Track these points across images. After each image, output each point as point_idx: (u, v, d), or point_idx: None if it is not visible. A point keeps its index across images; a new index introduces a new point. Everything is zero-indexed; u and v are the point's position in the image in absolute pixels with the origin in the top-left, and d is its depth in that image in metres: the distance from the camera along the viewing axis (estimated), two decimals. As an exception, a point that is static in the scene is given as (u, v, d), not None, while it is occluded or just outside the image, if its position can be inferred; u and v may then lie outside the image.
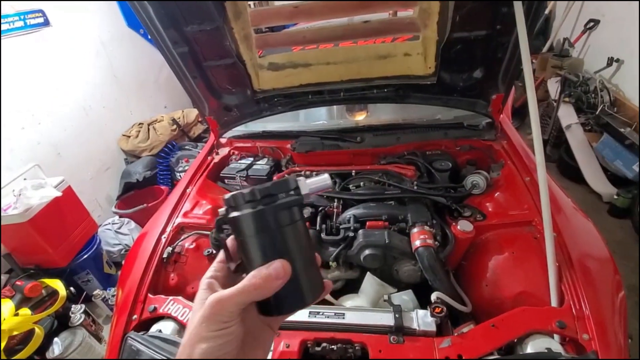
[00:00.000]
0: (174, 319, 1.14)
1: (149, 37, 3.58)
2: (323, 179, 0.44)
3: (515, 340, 0.95)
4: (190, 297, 1.27)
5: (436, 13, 1.26)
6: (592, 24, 3.32)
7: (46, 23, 2.44)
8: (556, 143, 3.15)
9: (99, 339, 1.99)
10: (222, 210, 0.42)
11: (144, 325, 1.16)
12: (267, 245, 0.39)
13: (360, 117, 1.97)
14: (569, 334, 0.92)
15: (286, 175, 0.43)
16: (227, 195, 0.41)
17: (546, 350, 0.90)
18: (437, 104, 1.60)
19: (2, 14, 2.16)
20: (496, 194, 1.39)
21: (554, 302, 1.01)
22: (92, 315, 2.02)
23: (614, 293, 1.08)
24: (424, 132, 1.73)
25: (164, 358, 0.99)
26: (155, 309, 1.17)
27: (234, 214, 0.40)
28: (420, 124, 1.77)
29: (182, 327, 1.13)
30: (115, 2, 3.12)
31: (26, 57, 2.34)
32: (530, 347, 0.92)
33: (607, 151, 2.64)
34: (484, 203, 1.36)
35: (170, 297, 1.19)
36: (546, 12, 3.94)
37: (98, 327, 2.05)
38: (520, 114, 3.39)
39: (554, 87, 3.22)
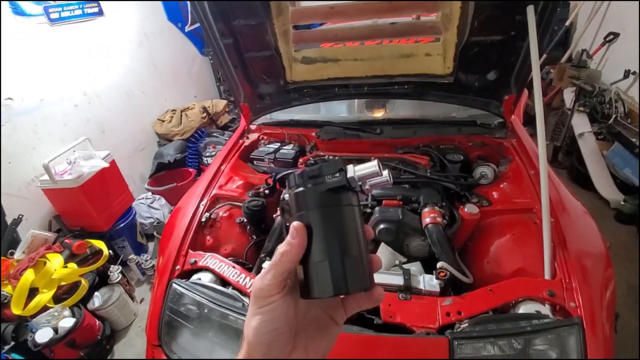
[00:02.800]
0: (211, 271, 1.30)
1: (200, 28, 3.81)
2: (370, 165, 0.41)
3: (511, 304, 1.08)
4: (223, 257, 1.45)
5: (457, 18, 1.39)
6: (611, 37, 3.38)
7: (100, 13, 2.70)
8: (569, 151, 3.22)
9: (132, 298, 2.20)
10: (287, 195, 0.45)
11: (184, 276, 1.34)
12: (309, 222, 0.39)
13: (379, 115, 2.12)
14: (557, 301, 1.03)
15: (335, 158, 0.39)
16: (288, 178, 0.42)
17: (535, 313, 1.03)
18: (453, 102, 1.72)
19: (64, 2, 2.42)
20: (502, 185, 1.52)
21: (547, 276, 1.12)
22: (126, 277, 2.23)
23: (603, 274, 1.15)
24: (440, 127, 1.84)
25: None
26: (195, 262, 1.34)
27: (286, 195, 0.47)
28: (437, 120, 1.89)
29: (217, 277, 1.30)
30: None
31: (82, 42, 2.60)
32: (522, 310, 1.05)
33: (617, 159, 2.72)
34: (491, 192, 1.49)
35: (208, 254, 1.36)
36: (567, 23, 4.01)
37: (131, 287, 2.27)
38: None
39: (569, 96, 3.30)
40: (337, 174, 0.40)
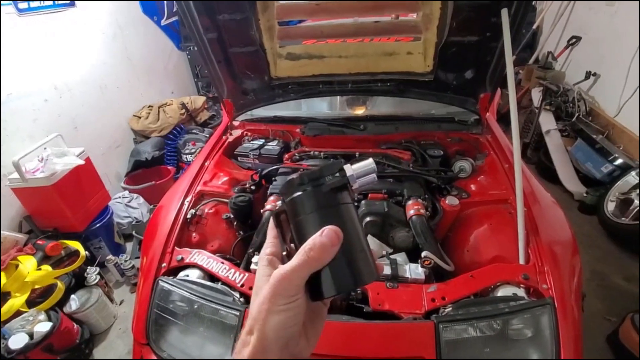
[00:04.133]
0: (200, 267, 1.29)
1: (177, 22, 3.67)
2: (367, 163, 0.42)
3: (490, 288, 1.15)
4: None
5: (437, 18, 1.45)
6: (574, 40, 3.62)
7: (72, 3, 2.57)
8: (536, 147, 3.42)
9: (111, 300, 2.13)
10: (279, 203, 0.45)
11: (171, 273, 1.31)
12: (318, 223, 0.39)
13: (360, 112, 2.16)
14: (531, 284, 1.11)
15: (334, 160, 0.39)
16: (282, 186, 0.42)
17: (512, 295, 1.11)
18: (433, 100, 1.79)
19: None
20: (479, 178, 1.60)
21: (521, 261, 1.20)
22: (104, 278, 2.15)
23: (571, 259, 1.24)
24: (420, 124, 1.91)
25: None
26: (182, 258, 1.31)
27: (287, 198, 0.41)
28: (417, 117, 1.96)
29: (206, 274, 1.28)
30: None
31: (53, 33, 2.47)
32: (500, 293, 1.12)
33: (579, 154, 2.93)
34: (469, 185, 1.57)
35: (195, 250, 1.34)
36: (534, 27, 4.25)
37: (110, 289, 2.19)
38: (506, 119, 3.64)
39: (536, 96, 3.50)
40: (337, 174, 0.41)
